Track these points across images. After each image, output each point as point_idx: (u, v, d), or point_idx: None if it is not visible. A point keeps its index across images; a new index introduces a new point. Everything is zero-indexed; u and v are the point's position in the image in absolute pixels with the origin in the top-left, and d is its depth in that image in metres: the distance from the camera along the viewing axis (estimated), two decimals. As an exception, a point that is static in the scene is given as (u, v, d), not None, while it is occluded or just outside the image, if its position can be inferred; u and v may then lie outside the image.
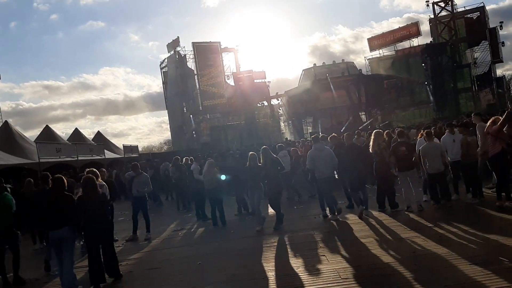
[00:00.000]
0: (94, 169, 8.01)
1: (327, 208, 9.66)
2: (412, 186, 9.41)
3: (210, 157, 15.49)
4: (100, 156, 25.39)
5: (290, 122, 43.81)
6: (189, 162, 13.93)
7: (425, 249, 6.30)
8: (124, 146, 29.05)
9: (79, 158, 22.84)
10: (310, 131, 38.36)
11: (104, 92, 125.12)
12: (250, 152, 9.76)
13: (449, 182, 9.69)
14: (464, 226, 7.33)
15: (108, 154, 27.17)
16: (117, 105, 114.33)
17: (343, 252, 6.77)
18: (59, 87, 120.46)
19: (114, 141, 33.61)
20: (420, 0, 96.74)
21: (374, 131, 9.78)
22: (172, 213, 14.66)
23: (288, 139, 31.53)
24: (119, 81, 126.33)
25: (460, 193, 9.85)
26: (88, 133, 44.89)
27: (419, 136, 10.49)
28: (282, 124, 45.29)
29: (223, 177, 11.12)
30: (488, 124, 8.44)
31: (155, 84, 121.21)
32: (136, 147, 31.24)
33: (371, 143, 9.69)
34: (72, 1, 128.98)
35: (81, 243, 8.51)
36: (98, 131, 33.36)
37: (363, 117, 40.49)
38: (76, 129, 29.62)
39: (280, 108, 44.10)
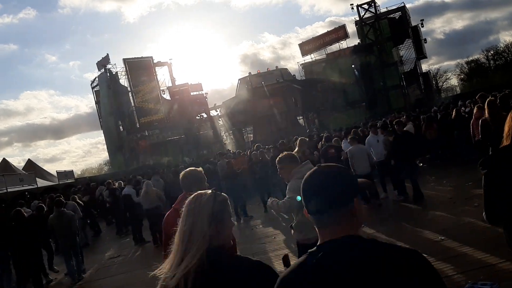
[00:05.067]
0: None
1: None
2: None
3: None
4: (32, 185, 24.15)
5: (231, 132, 43.78)
6: (122, 185, 13.54)
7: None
8: (58, 172, 27.75)
9: (9, 190, 21.63)
10: (251, 139, 38.55)
11: (29, 117, 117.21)
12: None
13: None
14: (389, 223, 7.61)
15: (41, 182, 25.87)
16: (45, 129, 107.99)
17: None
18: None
19: (48, 166, 32.08)
20: (339, 4, 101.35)
21: (299, 139, 9.95)
22: (110, 239, 14.14)
23: (230, 149, 31.44)
24: (44, 104, 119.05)
25: (388, 191, 10.24)
26: (18, 161, 42.62)
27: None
28: (223, 135, 45.16)
29: None
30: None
31: (84, 104, 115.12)
32: (71, 172, 29.92)
33: (296, 150, 9.84)
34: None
35: None
36: (29, 159, 31.86)
37: (301, 121, 41.31)
38: (4, 159, 28.05)
39: (220, 119, 44.02)
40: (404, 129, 11.82)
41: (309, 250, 1.45)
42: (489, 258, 5.03)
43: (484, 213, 6.16)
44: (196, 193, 1.99)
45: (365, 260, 1.33)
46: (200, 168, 3.67)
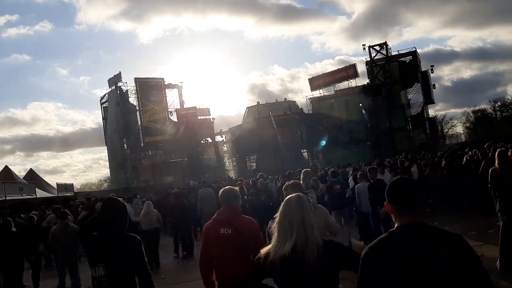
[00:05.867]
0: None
1: None
2: (344, 223, 9.61)
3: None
4: (31, 195, 24.06)
5: (234, 159, 43.83)
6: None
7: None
8: (58, 185, 27.73)
9: (7, 197, 21.52)
10: (254, 168, 38.53)
11: (34, 128, 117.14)
12: None
13: None
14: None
15: (40, 193, 25.78)
16: (49, 141, 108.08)
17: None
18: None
19: (48, 178, 31.99)
20: (349, 43, 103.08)
21: (303, 170, 9.92)
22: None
23: (232, 176, 31.37)
24: (51, 116, 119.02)
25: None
26: (19, 170, 42.49)
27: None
28: (226, 161, 45.22)
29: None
30: None
31: (90, 120, 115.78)
32: (71, 185, 29.88)
33: (300, 182, 9.78)
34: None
35: None
36: (31, 169, 31.89)
37: (305, 154, 41.34)
38: (6, 166, 28.06)
39: (224, 145, 44.15)
40: (411, 169, 11.82)
41: (390, 230, 2.12)
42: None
43: (498, 261, 6.06)
44: (297, 194, 2.73)
45: (431, 238, 2.01)
46: (237, 187, 4.44)
